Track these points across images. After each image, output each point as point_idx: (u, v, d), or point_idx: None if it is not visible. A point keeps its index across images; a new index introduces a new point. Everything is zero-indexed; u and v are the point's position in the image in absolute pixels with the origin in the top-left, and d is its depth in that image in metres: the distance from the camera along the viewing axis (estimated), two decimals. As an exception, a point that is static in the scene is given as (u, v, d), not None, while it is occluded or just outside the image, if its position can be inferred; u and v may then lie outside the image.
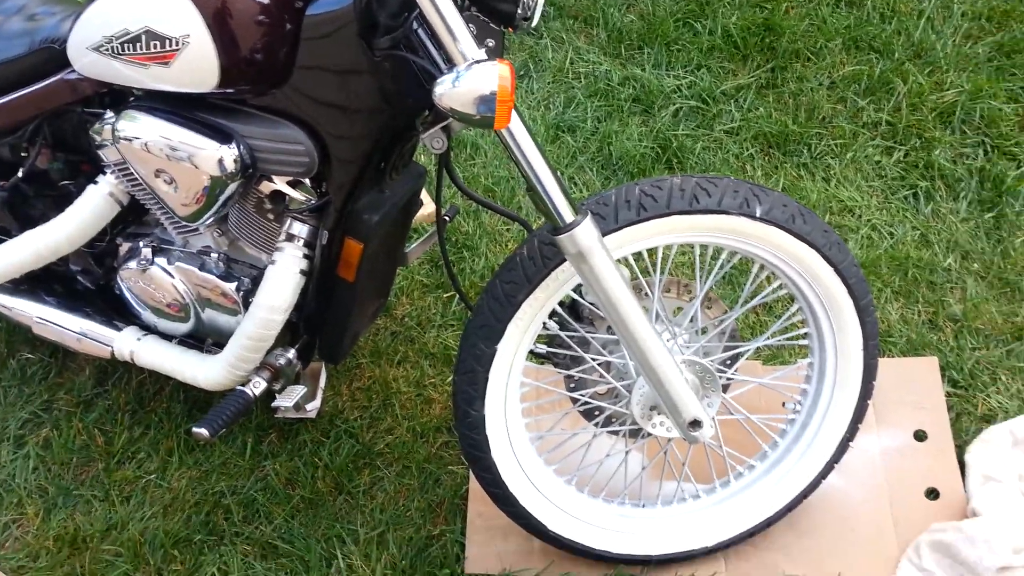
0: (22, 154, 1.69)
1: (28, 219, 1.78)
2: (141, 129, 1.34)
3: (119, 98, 1.55)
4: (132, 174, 1.48)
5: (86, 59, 1.36)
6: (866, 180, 2.27)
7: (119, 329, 1.70)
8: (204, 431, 1.44)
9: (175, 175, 1.36)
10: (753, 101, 2.47)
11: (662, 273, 1.40)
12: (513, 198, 2.31)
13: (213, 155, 1.30)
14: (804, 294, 1.43)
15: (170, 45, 1.19)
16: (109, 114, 1.47)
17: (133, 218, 1.68)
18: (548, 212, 1.21)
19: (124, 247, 1.68)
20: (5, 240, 1.84)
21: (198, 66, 1.20)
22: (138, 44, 1.22)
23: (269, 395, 1.60)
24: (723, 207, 1.31)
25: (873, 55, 2.57)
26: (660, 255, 1.41)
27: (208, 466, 1.79)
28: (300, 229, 1.45)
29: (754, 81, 2.52)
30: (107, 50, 1.28)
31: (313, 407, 1.67)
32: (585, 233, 1.21)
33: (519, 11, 1.17)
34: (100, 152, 1.51)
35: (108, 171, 1.55)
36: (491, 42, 1.23)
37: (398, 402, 1.86)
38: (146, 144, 1.34)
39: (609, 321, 1.29)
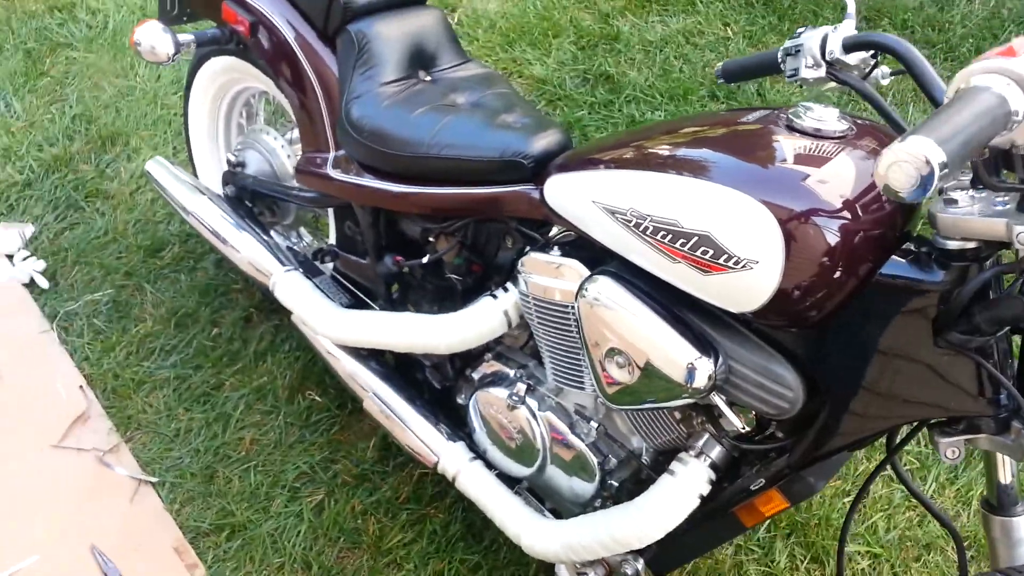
0: (430, 239, 1.67)
1: (396, 294, 1.76)
2: (619, 303, 1.24)
3: (544, 224, 1.49)
4: (547, 315, 1.40)
5: (576, 204, 1.29)
6: None
7: (451, 440, 1.62)
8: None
9: (631, 362, 1.25)
10: None
11: None
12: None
13: (687, 363, 1.18)
14: None
15: (725, 260, 1.09)
16: (555, 251, 1.41)
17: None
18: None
19: (491, 367, 1.60)
20: (364, 303, 1.84)
21: (744, 291, 1.09)
22: (681, 240, 1.12)
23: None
24: None
25: None
26: None
27: (473, 611, 1.67)
28: (714, 449, 1.31)
29: None
30: (625, 220, 1.19)
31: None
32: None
33: None
34: (520, 276, 1.44)
35: (512, 289, 1.48)
36: None
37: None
38: (618, 321, 1.24)
39: None
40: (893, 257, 1.06)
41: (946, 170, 0.76)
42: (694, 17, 3.09)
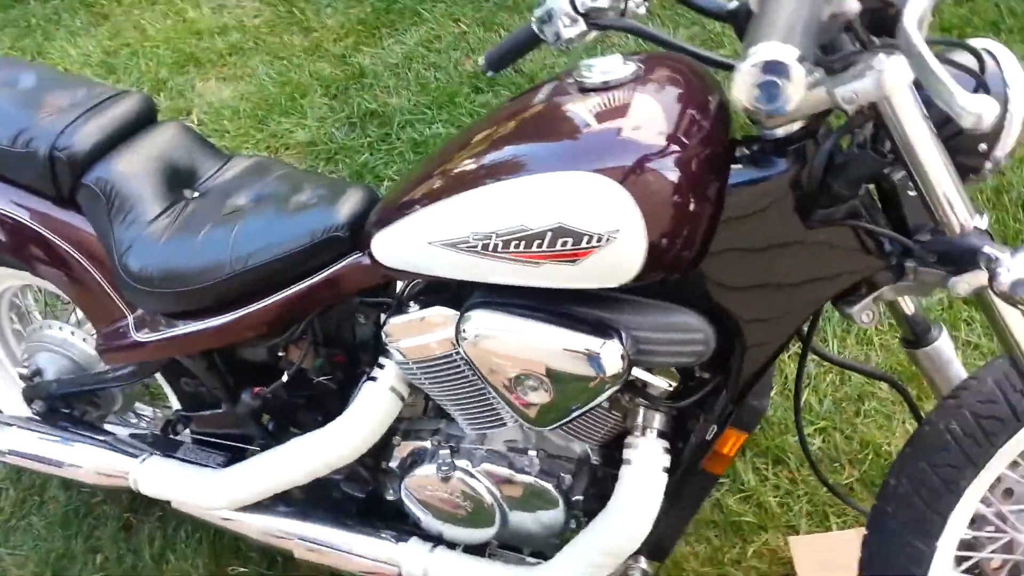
0: (279, 354, 1.51)
1: (271, 425, 1.59)
2: (500, 329, 1.15)
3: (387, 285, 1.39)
4: (435, 371, 1.30)
5: (412, 253, 1.19)
6: None
7: (401, 541, 1.48)
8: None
9: (540, 380, 1.17)
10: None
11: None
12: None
13: (594, 354, 1.12)
14: None
15: (587, 242, 1.02)
16: (413, 306, 1.30)
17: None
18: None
19: (405, 449, 1.47)
20: (241, 451, 1.65)
21: (617, 262, 1.03)
22: (536, 242, 1.04)
23: None
24: None
25: None
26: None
27: None
28: (654, 419, 1.26)
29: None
30: (471, 247, 1.10)
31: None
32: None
33: (988, 166, 1.02)
34: (390, 346, 1.33)
35: (388, 363, 1.37)
36: None
37: (701, 587, 1.63)
38: (508, 347, 1.15)
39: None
40: (733, 167, 1.04)
41: (804, 62, 0.72)
42: (424, 26, 3.09)
